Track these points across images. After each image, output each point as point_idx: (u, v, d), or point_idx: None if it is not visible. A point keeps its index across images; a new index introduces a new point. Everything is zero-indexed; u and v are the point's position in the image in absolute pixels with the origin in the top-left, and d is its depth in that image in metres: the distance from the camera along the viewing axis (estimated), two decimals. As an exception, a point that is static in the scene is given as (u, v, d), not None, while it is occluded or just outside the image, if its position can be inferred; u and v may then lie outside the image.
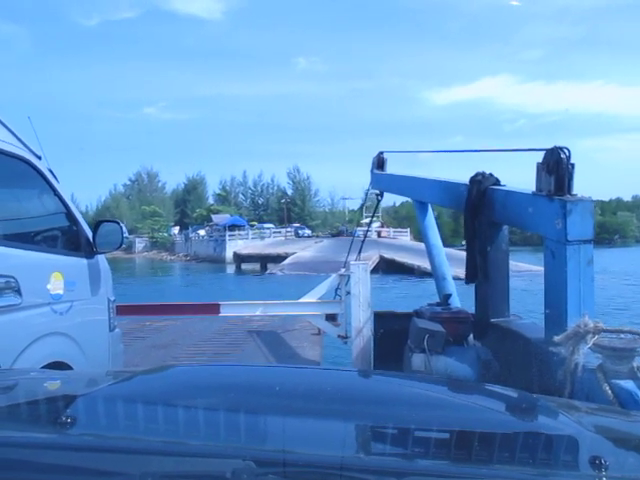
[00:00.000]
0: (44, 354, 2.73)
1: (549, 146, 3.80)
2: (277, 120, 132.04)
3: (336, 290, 6.82)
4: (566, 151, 3.68)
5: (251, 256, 46.20)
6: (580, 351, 2.82)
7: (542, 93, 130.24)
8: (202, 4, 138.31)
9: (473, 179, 4.66)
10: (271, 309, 7.11)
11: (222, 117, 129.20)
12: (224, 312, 6.70)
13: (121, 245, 3.55)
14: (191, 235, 64.26)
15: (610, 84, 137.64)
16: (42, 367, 2.61)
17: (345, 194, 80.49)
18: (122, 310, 4.68)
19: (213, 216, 68.68)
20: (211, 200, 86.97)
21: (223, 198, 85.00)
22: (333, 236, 57.29)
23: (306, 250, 43.45)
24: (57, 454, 0.98)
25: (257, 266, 43.97)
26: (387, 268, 31.53)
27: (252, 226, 63.10)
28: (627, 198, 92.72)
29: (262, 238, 54.86)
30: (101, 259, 3.46)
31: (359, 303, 5.94)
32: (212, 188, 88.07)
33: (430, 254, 6.40)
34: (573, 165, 3.70)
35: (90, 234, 3.32)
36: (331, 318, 6.81)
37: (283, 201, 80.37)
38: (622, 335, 2.83)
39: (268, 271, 38.31)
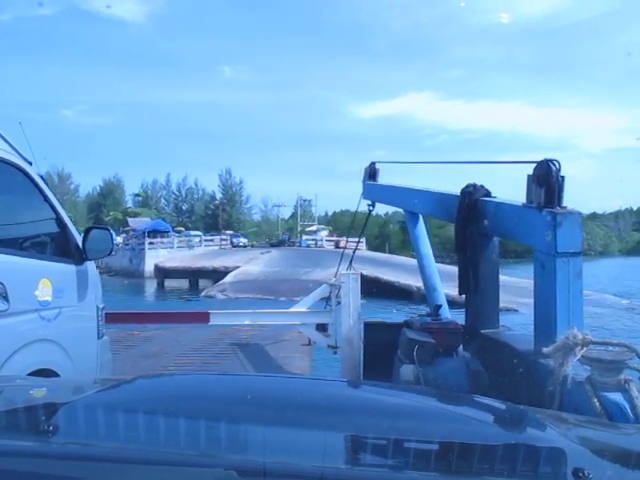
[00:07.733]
0: (31, 361, 2.71)
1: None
2: (204, 128, 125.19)
3: (327, 300, 6.82)
4: (556, 164, 3.71)
5: (178, 270, 37.05)
6: (569, 363, 2.83)
7: (462, 111, 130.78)
8: (124, 6, 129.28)
9: (464, 190, 4.69)
10: (260, 318, 7.09)
11: (145, 123, 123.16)
12: (213, 321, 6.66)
13: (111, 252, 3.54)
14: (102, 243, 54.22)
15: (527, 105, 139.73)
16: (28, 374, 2.58)
17: (277, 202, 76.86)
18: (111, 318, 4.65)
19: (130, 219, 58.04)
20: (130, 203, 75.00)
21: (143, 200, 73.99)
22: (273, 246, 51.05)
23: (252, 264, 34.57)
24: (40, 462, 0.97)
25: (185, 283, 35.83)
26: (369, 289, 16.85)
27: (178, 233, 53.35)
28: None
29: (191, 247, 45.92)
30: (90, 266, 3.44)
31: (349, 313, 5.94)
32: (131, 192, 77.40)
33: (421, 265, 6.41)
34: (563, 177, 3.72)
35: (80, 240, 3.30)
36: (321, 328, 6.80)
37: (218, 202, 72.01)
38: (610, 347, 2.84)
39: (204, 292, 28.39)
